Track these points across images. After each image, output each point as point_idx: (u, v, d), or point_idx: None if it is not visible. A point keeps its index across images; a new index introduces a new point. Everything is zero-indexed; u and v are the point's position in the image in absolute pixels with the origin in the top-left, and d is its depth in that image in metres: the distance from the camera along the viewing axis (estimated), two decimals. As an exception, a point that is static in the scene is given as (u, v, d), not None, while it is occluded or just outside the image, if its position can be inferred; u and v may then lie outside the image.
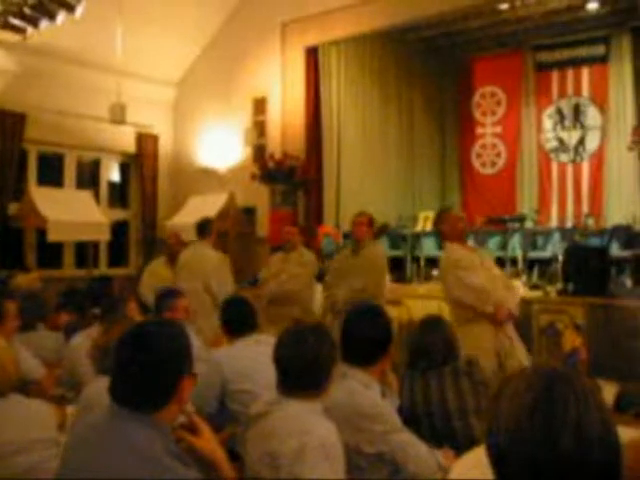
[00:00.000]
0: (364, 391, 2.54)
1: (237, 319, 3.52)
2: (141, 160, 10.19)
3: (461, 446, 2.76)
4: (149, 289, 6.06)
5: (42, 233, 8.38)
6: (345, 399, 2.47)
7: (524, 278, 7.66)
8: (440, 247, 9.27)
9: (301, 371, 2.21)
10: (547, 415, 1.10)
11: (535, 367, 1.23)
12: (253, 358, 3.21)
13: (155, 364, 1.80)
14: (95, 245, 9.52)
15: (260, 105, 9.56)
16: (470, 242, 9.31)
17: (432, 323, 3.24)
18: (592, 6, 9.62)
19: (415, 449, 2.47)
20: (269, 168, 8.92)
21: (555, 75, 11.37)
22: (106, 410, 1.84)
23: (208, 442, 1.94)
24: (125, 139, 9.88)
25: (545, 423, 1.09)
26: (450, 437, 2.85)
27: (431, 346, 3.03)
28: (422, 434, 2.71)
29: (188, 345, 1.93)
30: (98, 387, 2.66)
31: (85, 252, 9.29)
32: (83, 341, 3.76)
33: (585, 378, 1.18)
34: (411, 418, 2.87)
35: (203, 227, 6.17)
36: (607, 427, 1.11)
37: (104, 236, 9.01)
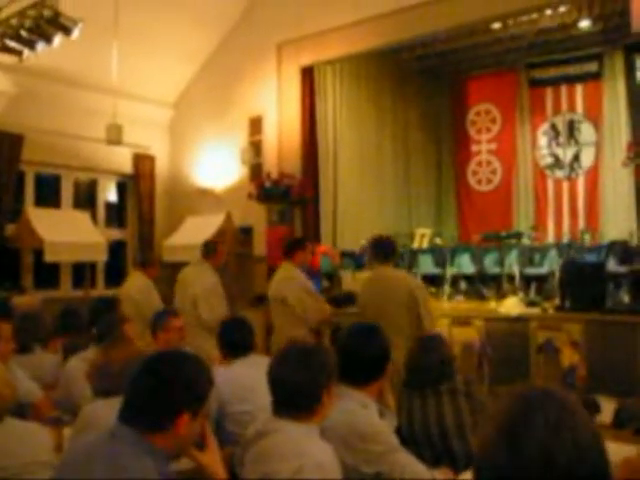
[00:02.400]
0: (361, 411, 2.53)
1: (235, 340, 3.52)
2: (138, 180, 10.21)
3: (459, 465, 2.75)
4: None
5: (39, 254, 8.37)
6: (342, 419, 2.46)
7: (521, 295, 7.64)
8: (437, 264, 9.31)
9: (293, 393, 2.21)
10: (513, 438, 1.07)
11: (513, 388, 1.20)
12: (251, 379, 3.20)
13: (173, 391, 1.82)
14: (92, 265, 9.50)
15: (256, 125, 9.61)
16: (466, 259, 9.36)
17: (429, 341, 3.23)
18: (584, 24, 9.71)
19: (413, 469, 2.46)
20: (266, 187, 8.94)
21: (549, 92, 11.47)
22: (102, 433, 1.84)
23: (213, 460, 1.94)
24: (122, 160, 9.91)
25: (510, 445, 1.07)
26: (448, 456, 2.84)
27: (428, 364, 3.02)
28: (420, 453, 2.70)
29: (208, 380, 1.94)
30: (95, 409, 2.65)
31: (82, 272, 9.27)
32: (79, 363, 3.74)
33: (570, 397, 1.15)
34: (409, 437, 2.86)
35: (205, 248, 6.09)
36: (595, 448, 1.08)
37: (101, 256, 9.00)
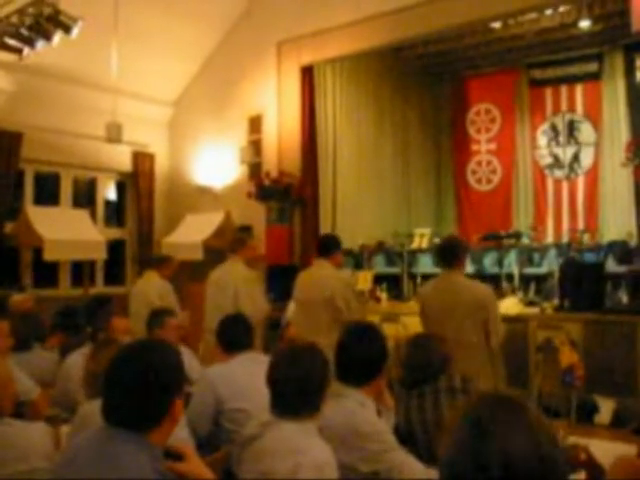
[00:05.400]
0: (360, 410, 2.53)
1: (233, 336, 3.52)
2: (137, 179, 10.20)
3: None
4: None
5: (38, 252, 8.36)
6: (341, 418, 2.46)
7: (520, 295, 7.65)
8: (437, 264, 9.29)
9: (295, 393, 2.21)
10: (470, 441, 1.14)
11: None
12: (248, 377, 3.19)
13: (149, 383, 1.80)
14: (91, 264, 9.49)
15: (256, 123, 9.59)
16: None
17: (425, 339, 3.23)
18: (584, 24, 9.70)
19: (411, 468, 2.46)
20: (265, 186, 8.93)
21: (549, 92, 11.46)
22: (97, 431, 1.83)
23: (195, 465, 1.93)
24: (121, 158, 9.90)
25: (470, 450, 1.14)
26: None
27: (424, 362, 3.01)
28: (418, 452, 2.70)
29: (181, 364, 1.93)
30: (92, 407, 2.65)
31: (81, 271, 9.26)
32: (77, 359, 3.75)
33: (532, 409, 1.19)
34: (407, 436, 2.85)
35: (234, 243, 5.86)
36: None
37: (100, 255, 8.98)
